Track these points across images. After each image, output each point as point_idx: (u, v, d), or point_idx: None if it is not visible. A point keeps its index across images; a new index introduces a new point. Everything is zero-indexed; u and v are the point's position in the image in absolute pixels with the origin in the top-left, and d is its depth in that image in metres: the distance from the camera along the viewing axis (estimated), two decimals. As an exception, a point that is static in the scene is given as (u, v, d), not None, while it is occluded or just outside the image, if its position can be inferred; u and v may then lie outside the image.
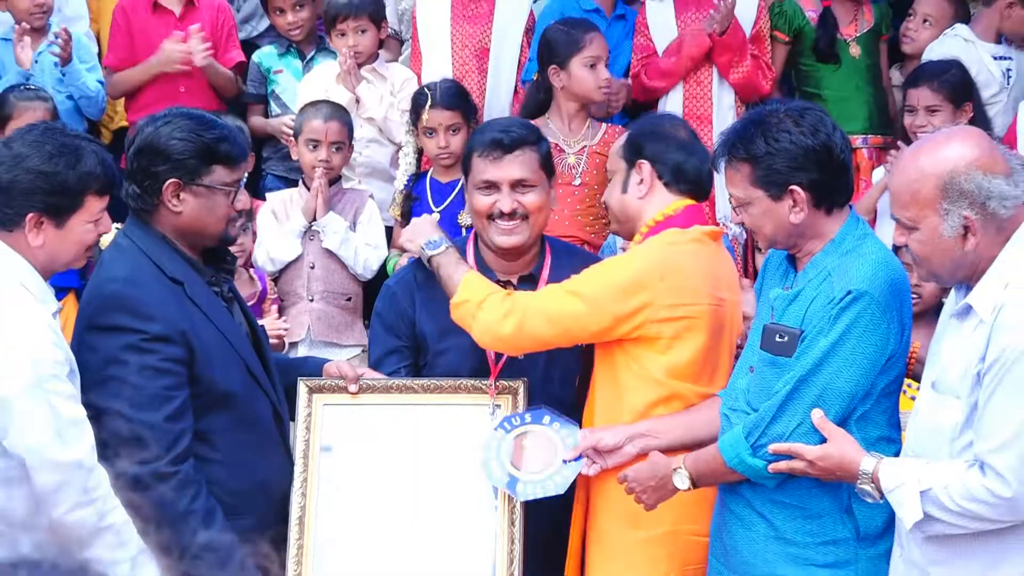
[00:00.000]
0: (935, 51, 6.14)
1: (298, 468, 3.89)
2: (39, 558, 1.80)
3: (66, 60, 6.13)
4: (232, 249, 4.07)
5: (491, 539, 3.86)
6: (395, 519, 3.89)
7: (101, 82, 6.37)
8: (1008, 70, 6.25)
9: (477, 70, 6.16)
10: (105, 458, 3.56)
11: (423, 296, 4.12)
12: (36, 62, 6.19)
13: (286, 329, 5.40)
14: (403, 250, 4.18)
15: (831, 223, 3.56)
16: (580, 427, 3.98)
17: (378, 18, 6.10)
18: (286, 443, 3.94)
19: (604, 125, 5.74)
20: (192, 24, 6.34)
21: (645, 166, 3.93)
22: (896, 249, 3.52)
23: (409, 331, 4.13)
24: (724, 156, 3.62)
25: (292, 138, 5.74)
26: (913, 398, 3.68)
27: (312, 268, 5.52)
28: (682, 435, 3.78)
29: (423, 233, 4.08)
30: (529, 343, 3.86)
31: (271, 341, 5.01)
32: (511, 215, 4.03)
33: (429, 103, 5.48)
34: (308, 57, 6.44)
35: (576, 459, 3.81)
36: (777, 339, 3.55)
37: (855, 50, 6.43)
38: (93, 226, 3.65)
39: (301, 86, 6.20)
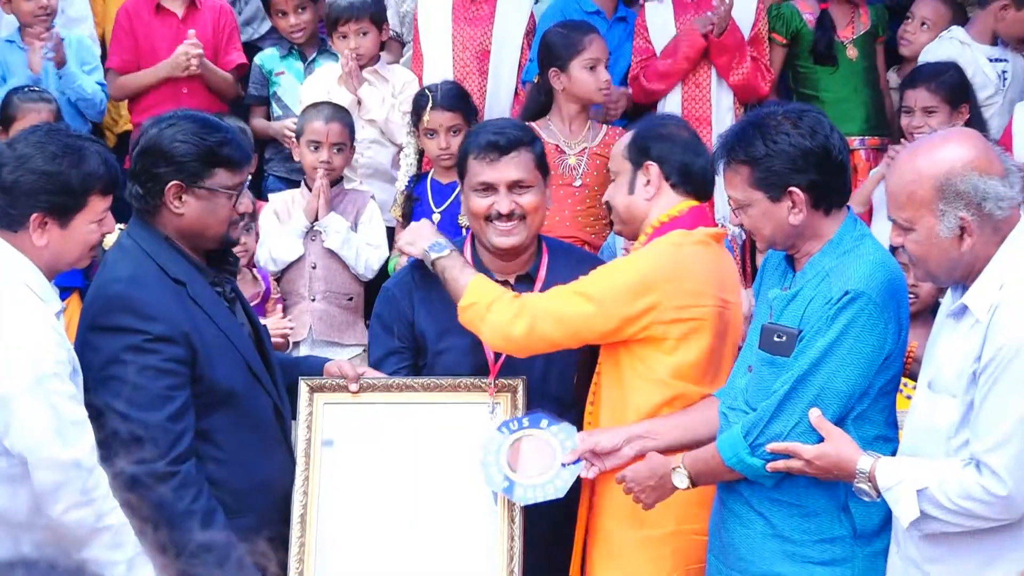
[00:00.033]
0: (931, 53, 6.15)
1: (299, 466, 3.90)
2: (36, 558, 1.81)
3: (59, 63, 6.13)
4: (235, 249, 4.08)
5: (491, 536, 3.87)
6: (396, 517, 3.90)
7: (101, 84, 6.40)
8: (1004, 72, 6.28)
9: (478, 72, 6.18)
10: (106, 458, 3.57)
11: (421, 297, 4.13)
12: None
13: (291, 328, 5.42)
14: (403, 253, 4.16)
15: (829, 224, 3.57)
16: (582, 428, 4.00)
17: (379, 20, 6.12)
18: (288, 442, 3.94)
19: (604, 127, 5.77)
20: (194, 25, 6.37)
21: (653, 168, 3.94)
22: (893, 249, 3.52)
23: (408, 332, 4.14)
24: (723, 158, 3.63)
25: (294, 140, 5.76)
26: (909, 397, 3.69)
27: (314, 268, 5.53)
28: (680, 436, 3.79)
29: (423, 236, 4.08)
30: (538, 345, 3.86)
31: (276, 340, 5.03)
32: (509, 216, 4.04)
33: (430, 104, 5.50)
34: (310, 59, 6.47)
35: (575, 462, 3.81)
36: (775, 339, 3.56)
37: (852, 52, 6.46)
38: (97, 226, 3.66)
39: (303, 88, 6.22)
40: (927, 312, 4.48)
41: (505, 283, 4.10)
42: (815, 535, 3.56)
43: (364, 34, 6.06)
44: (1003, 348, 3.18)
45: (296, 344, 5.45)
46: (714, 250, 3.93)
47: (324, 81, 6.12)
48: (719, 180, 3.81)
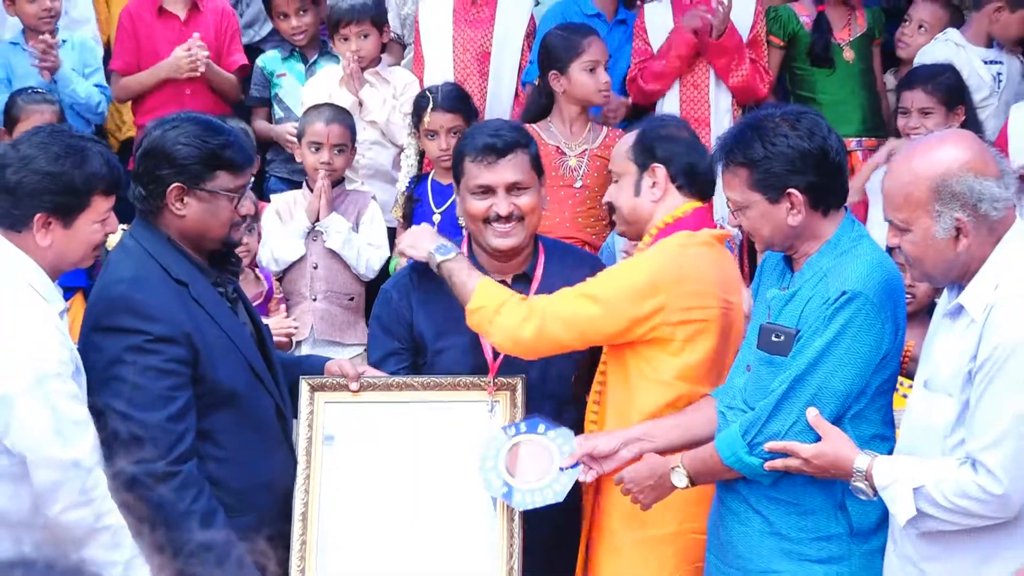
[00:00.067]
0: (926, 55, 6.18)
1: (300, 464, 3.92)
2: (36, 558, 1.80)
3: (51, 69, 6.14)
4: (238, 249, 4.10)
5: (490, 534, 3.88)
6: (396, 515, 3.91)
7: (102, 87, 6.41)
8: (999, 74, 6.30)
9: (478, 73, 6.20)
10: (108, 458, 3.59)
11: (419, 298, 4.14)
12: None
13: (295, 327, 5.44)
14: (405, 256, 4.16)
15: (827, 225, 3.59)
16: (582, 426, 4.01)
17: (380, 23, 6.15)
18: (289, 441, 3.96)
19: (605, 128, 5.79)
20: (197, 27, 6.39)
21: (660, 170, 3.95)
22: (890, 250, 3.54)
23: (407, 333, 4.15)
24: (721, 161, 3.64)
25: (296, 141, 5.79)
26: (906, 396, 3.71)
27: (315, 268, 5.55)
28: (677, 437, 3.80)
29: (426, 239, 4.08)
30: (547, 347, 3.87)
31: (279, 339, 5.05)
32: (507, 218, 4.05)
33: (431, 106, 5.52)
34: (311, 61, 6.49)
35: (573, 466, 3.82)
36: (773, 338, 3.58)
37: (849, 54, 6.48)
38: (100, 226, 3.67)
39: (305, 89, 6.25)
40: (924, 312, 4.50)
41: (502, 283, 4.11)
42: (812, 533, 3.58)
43: (365, 36, 6.09)
44: (998, 348, 3.20)
45: (298, 343, 5.47)
46: (718, 251, 3.95)
47: (325, 83, 6.14)
48: (718, 182, 3.83)
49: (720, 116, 6.18)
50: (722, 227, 5.51)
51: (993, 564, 3.29)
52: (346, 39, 6.09)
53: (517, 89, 6.23)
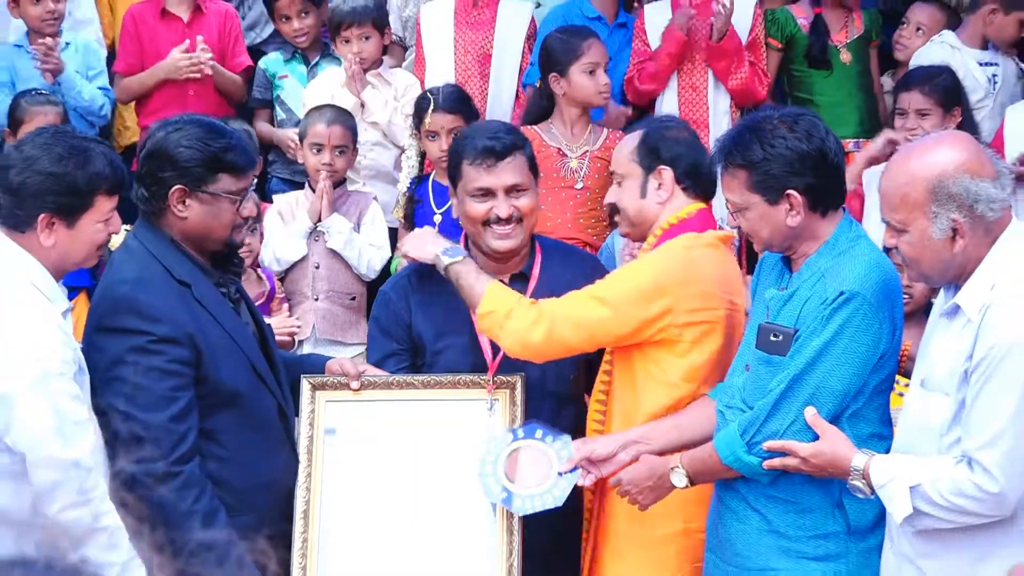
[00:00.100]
0: (922, 57, 6.20)
1: (302, 463, 3.93)
2: (35, 557, 1.81)
3: (54, 72, 6.16)
4: (240, 250, 4.12)
5: (489, 532, 3.89)
6: (397, 513, 3.93)
7: (105, 89, 6.43)
8: (994, 76, 6.32)
9: (479, 75, 6.22)
10: (110, 458, 3.61)
11: (418, 299, 4.15)
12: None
13: (298, 327, 5.45)
14: (409, 259, 4.15)
15: (825, 225, 3.60)
16: (583, 424, 4.02)
17: (381, 25, 6.17)
18: (291, 440, 3.96)
19: (605, 130, 5.81)
20: (200, 29, 6.41)
21: (667, 172, 3.95)
22: (888, 250, 3.56)
23: (406, 334, 4.16)
24: (721, 162, 3.66)
25: (298, 142, 5.81)
26: (902, 395, 3.73)
27: (317, 268, 5.58)
28: (674, 438, 3.81)
29: (431, 242, 4.08)
30: (557, 350, 3.88)
31: (282, 339, 5.07)
32: (507, 220, 4.05)
33: (431, 107, 5.53)
34: (313, 63, 6.51)
35: (571, 471, 3.82)
36: (772, 338, 3.59)
37: (846, 56, 6.50)
38: (103, 225, 3.67)
39: (307, 91, 6.27)
40: (921, 311, 4.52)
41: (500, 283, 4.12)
42: (810, 531, 3.59)
43: (366, 38, 6.11)
44: (994, 347, 3.21)
45: (299, 343, 5.48)
46: (722, 253, 3.96)
47: (327, 84, 6.16)
48: (718, 182, 3.85)
49: (718, 118, 6.21)
50: (722, 228, 5.56)
51: (989, 562, 3.31)
52: (347, 41, 6.11)
53: (518, 91, 6.26)
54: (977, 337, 3.25)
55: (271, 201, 5.84)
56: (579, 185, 5.69)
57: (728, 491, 3.71)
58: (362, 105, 6.05)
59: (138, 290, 3.71)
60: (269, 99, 6.55)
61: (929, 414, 3.37)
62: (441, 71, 6.16)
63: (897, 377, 3.71)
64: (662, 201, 3.97)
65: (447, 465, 3.96)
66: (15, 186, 3.63)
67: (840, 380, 3.49)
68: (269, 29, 6.93)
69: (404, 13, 6.67)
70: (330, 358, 4.20)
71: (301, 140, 5.70)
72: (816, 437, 3.48)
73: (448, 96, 5.56)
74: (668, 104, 6.23)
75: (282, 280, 5.60)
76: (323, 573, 3.88)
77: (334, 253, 5.57)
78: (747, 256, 5.76)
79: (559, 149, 5.68)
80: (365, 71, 6.08)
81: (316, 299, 5.57)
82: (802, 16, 6.54)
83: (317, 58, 6.52)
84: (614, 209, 4.11)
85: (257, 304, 4.58)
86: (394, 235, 5.78)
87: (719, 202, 3.92)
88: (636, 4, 6.65)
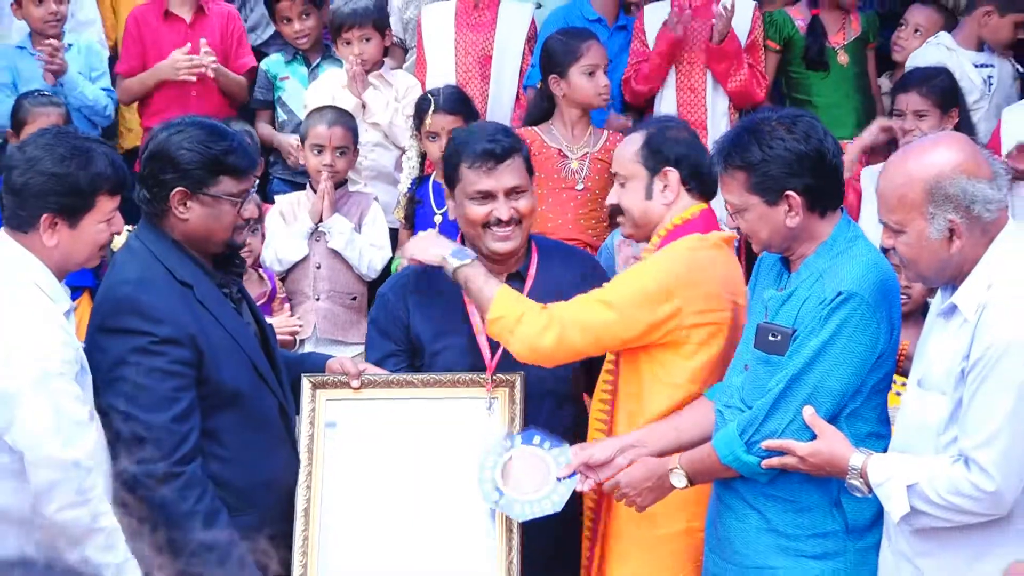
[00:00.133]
0: (918, 59, 6.22)
1: (303, 461, 3.94)
2: (35, 557, 1.81)
3: (57, 73, 6.18)
4: (241, 251, 4.13)
5: (489, 531, 3.90)
6: (397, 511, 3.94)
7: (108, 90, 6.44)
8: (989, 77, 6.34)
9: (480, 77, 6.24)
10: (112, 458, 3.61)
11: (416, 300, 4.16)
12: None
13: (300, 326, 5.47)
14: (415, 261, 4.13)
15: (824, 226, 3.61)
16: (584, 423, 4.04)
17: (382, 26, 6.19)
18: (292, 439, 3.97)
19: (605, 132, 5.83)
20: (203, 30, 6.42)
21: (672, 174, 3.96)
22: (885, 250, 3.56)
23: (404, 335, 4.16)
24: (719, 164, 3.67)
25: (299, 146, 5.83)
26: (899, 394, 3.75)
27: (318, 268, 5.59)
28: (672, 440, 3.82)
29: (438, 244, 4.06)
30: (565, 354, 3.88)
31: (283, 338, 5.08)
32: (507, 222, 4.06)
33: (432, 108, 5.55)
34: (314, 64, 6.52)
35: (570, 476, 3.83)
36: (770, 338, 3.60)
37: (843, 58, 6.53)
38: (106, 226, 3.68)
39: (308, 92, 6.28)
40: (919, 311, 4.53)
41: None
42: (808, 530, 3.60)
43: (367, 40, 6.13)
44: (991, 347, 3.23)
45: (301, 342, 5.49)
46: (726, 254, 3.97)
47: (328, 86, 6.17)
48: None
49: (717, 120, 6.23)
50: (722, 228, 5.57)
51: (986, 560, 3.32)
52: (348, 43, 6.13)
53: (518, 92, 6.28)
54: (974, 337, 3.27)
55: (272, 202, 5.85)
56: (580, 186, 5.71)
57: (727, 490, 3.72)
58: (363, 106, 6.07)
59: (140, 291, 3.72)
60: (270, 100, 6.56)
61: (926, 413, 3.38)
62: (442, 72, 6.18)
63: (895, 376, 3.72)
64: (668, 202, 3.97)
65: (447, 463, 3.97)
66: (18, 187, 3.64)
67: (838, 380, 3.50)
68: (270, 31, 6.95)
69: (405, 15, 6.69)
70: (331, 357, 4.20)
71: (302, 141, 5.72)
72: (814, 436, 3.49)
73: (448, 97, 5.58)
74: (667, 105, 6.26)
75: (283, 280, 5.62)
76: (324, 571, 3.88)
77: (335, 253, 5.58)
78: (746, 256, 5.78)
79: (560, 150, 5.70)
80: (366, 72, 6.10)
81: (317, 299, 5.59)
82: (800, 18, 6.56)
83: (318, 59, 6.53)
84: (616, 210, 4.11)
85: (258, 304, 4.59)
86: (395, 235, 5.80)
87: (719, 203, 3.93)
88: (635, 7, 6.66)
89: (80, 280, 5.46)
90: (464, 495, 3.91)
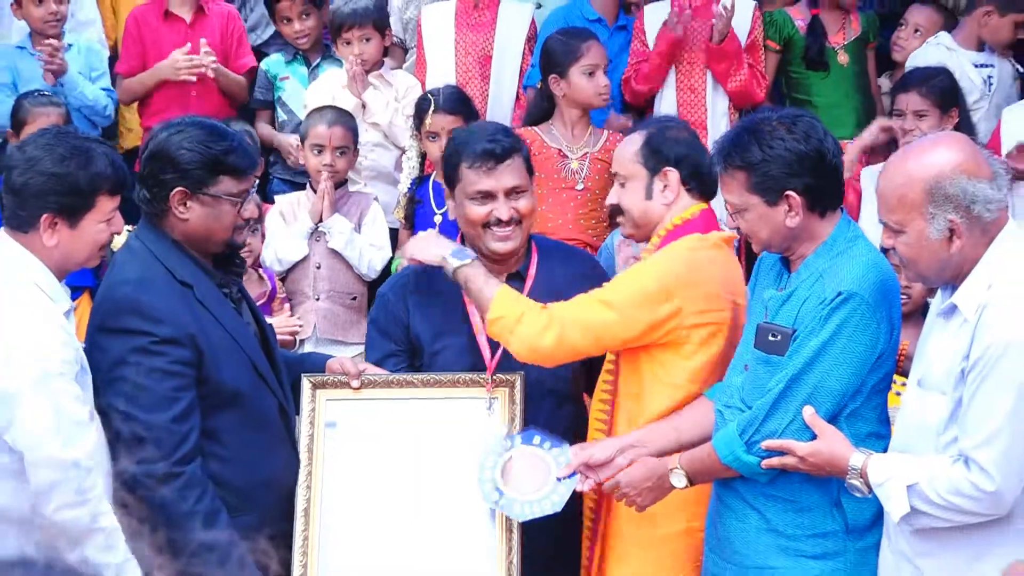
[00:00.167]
0: (918, 59, 6.23)
1: (303, 461, 3.95)
2: (35, 558, 1.81)
3: (57, 73, 6.18)
4: (241, 251, 4.14)
5: (489, 530, 3.91)
6: (397, 511, 3.94)
7: (109, 90, 6.45)
8: (989, 77, 6.34)
9: (480, 77, 6.25)
10: (112, 458, 3.61)
11: (416, 300, 4.16)
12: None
13: (300, 326, 5.47)
14: (415, 261, 4.12)
15: (824, 226, 3.62)
16: (584, 422, 4.04)
17: (382, 27, 6.20)
18: (292, 439, 3.98)
19: (605, 132, 5.84)
20: (203, 30, 6.43)
21: (673, 174, 3.96)
22: (885, 250, 3.56)
23: (403, 335, 4.17)
24: (720, 164, 3.67)
25: (299, 146, 5.84)
26: (899, 394, 3.75)
27: (318, 268, 5.60)
28: (671, 441, 3.82)
29: (438, 244, 4.06)
30: (565, 354, 3.88)
31: (283, 338, 5.08)
32: (508, 222, 4.06)
33: (432, 108, 5.56)
34: (314, 65, 6.53)
35: (570, 476, 3.83)
36: (770, 338, 3.60)
37: (843, 58, 6.53)
38: (106, 225, 3.68)
39: (308, 92, 6.29)
40: (919, 311, 4.53)
41: None
42: (808, 530, 3.61)
43: (367, 40, 6.13)
44: (990, 347, 3.23)
45: (301, 342, 5.50)
46: (726, 254, 3.97)
47: (328, 86, 6.18)
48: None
49: (717, 120, 6.24)
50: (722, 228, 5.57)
51: (985, 560, 3.32)
52: (348, 43, 6.14)
53: (518, 92, 6.28)
54: (974, 337, 3.27)
55: (272, 201, 5.86)
56: (580, 186, 5.71)
57: (727, 490, 3.72)
58: (363, 106, 6.07)
59: (140, 291, 3.72)
60: (270, 100, 6.57)
61: (926, 413, 3.39)
62: (442, 72, 6.19)
63: (895, 376, 3.72)
64: (668, 202, 3.97)
65: (447, 463, 3.97)
66: (18, 187, 3.64)
67: (838, 380, 3.51)
68: (270, 31, 6.95)
69: (405, 15, 6.70)
70: (331, 357, 4.21)
71: (302, 141, 5.72)
72: (814, 436, 3.49)
73: (448, 97, 5.59)
74: (667, 106, 6.26)
75: (283, 280, 5.62)
76: (324, 571, 3.89)
77: (335, 253, 5.59)
78: (745, 256, 5.78)
79: (560, 150, 5.71)
80: (366, 72, 6.11)
81: (317, 299, 5.59)
82: (800, 18, 6.57)
83: (318, 59, 6.54)
84: (616, 210, 4.11)
85: (258, 304, 4.59)
86: (395, 235, 5.81)
87: (719, 202, 3.93)
88: (634, 7, 6.66)
89: (80, 280, 5.46)
90: (464, 495, 3.91)
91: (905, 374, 3.78)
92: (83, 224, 3.66)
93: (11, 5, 6.37)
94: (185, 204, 3.77)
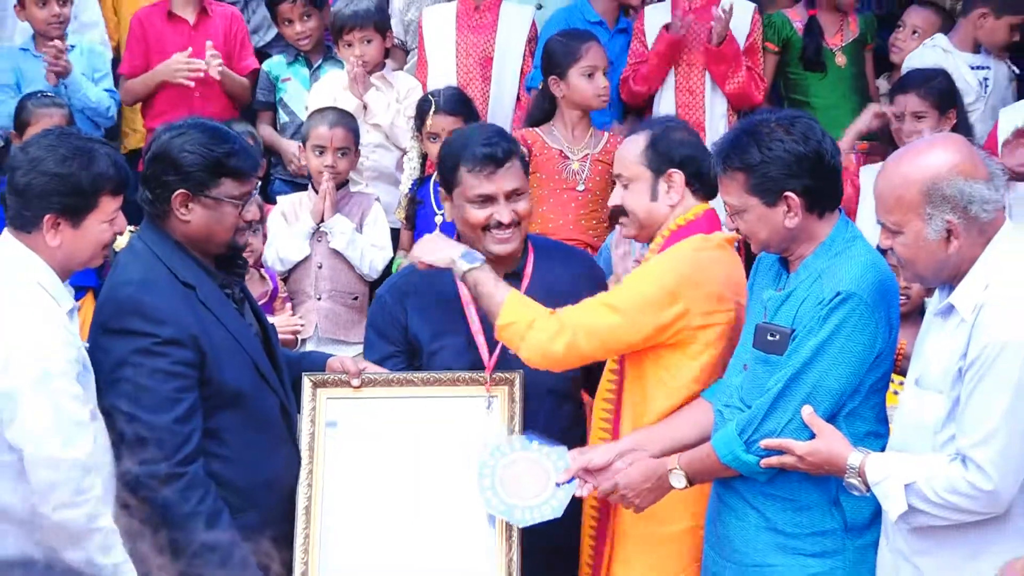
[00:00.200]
0: (914, 60, 6.23)
1: (304, 460, 3.95)
2: (36, 558, 1.81)
3: (61, 74, 6.19)
4: (243, 252, 4.15)
5: (488, 528, 3.91)
6: (397, 509, 3.95)
7: (112, 91, 6.46)
8: (985, 79, 6.34)
9: (481, 78, 6.27)
10: (115, 459, 3.62)
11: (414, 301, 4.16)
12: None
13: (302, 325, 5.48)
14: (423, 264, 4.10)
15: (822, 226, 3.63)
16: (583, 422, 4.06)
17: (383, 28, 6.21)
18: (293, 438, 3.98)
19: (606, 133, 5.85)
20: (206, 32, 6.44)
21: (678, 175, 3.96)
22: (883, 251, 3.58)
23: (402, 336, 4.17)
24: (719, 166, 3.68)
25: (300, 150, 5.85)
26: (898, 393, 3.76)
27: (320, 268, 5.61)
28: (670, 443, 3.82)
29: (444, 246, 4.05)
30: (574, 360, 3.88)
31: (285, 338, 5.10)
32: (508, 225, 4.07)
33: (433, 109, 5.58)
34: (315, 66, 6.54)
35: (569, 481, 3.84)
36: (769, 338, 3.61)
37: (841, 59, 6.54)
38: (108, 225, 3.70)
39: (310, 94, 6.30)
40: (918, 311, 4.53)
41: None
42: (807, 528, 3.62)
43: (368, 42, 6.15)
44: (988, 347, 3.25)
45: (302, 342, 5.50)
46: (729, 254, 3.98)
47: (330, 87, 6.19)
48: (718, 184, 3.87)
49: (715, 121, 6.25)
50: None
51: (982, 559, 3.33)
52: (350, 44, 6.16)
53: (519, 94, 6.30)
54: (971, 336, 3.28)
55: (274, 202, 5.88)
56: (580, 187, 5.73)
57: (726, 489, 3.73)
58: (364, 107, 6.09)
59: (143, 292, 3.73)
60: (272, 102, 6.58)
61: (924, 412, 3.40)
62: (443, 74, 6.20)
63: (893, 376, 3.73)
64: (673, 203, 3.97)
65: (446, 462, 3.98)
66: (21, 187, 3.65)
67: (836, 379, 3.52)
68: (272, 32, 6.97)
69: (406, 16, 6.71)
70: (331, 356, 4.21)
71: (304, 142, 5.74)
72: (813, 435, 3.50)
73: (449, 98, 5.61)
74: (665, 107, 6.27)
75: (285, 280, 5.64)
76: (325, 570, 3.90)
77: (336, 253, 5.60)
78: (745, 257, 5.80)
79: (561, 151, 5.72)
80: (368, 74, 6.12)
81: (319, 299, 5.61)
82: (797, 19, 6.59)
83: (320, 61, 6.55)
84: (618, 211, 4.10)
85: (260, 303, 4.60)
86: (396, 236, 5.82)
87: (718, 203, 3.94)
88: (633, 10, 6.67)
89: (84, 280, 5.46)
90: (464, 494, 3.92)
91: (903, 373, 3.80)
92: (86, 224, 3.67)
93: (14, 7, 6.38)
94: (187, 206, 3.78)
